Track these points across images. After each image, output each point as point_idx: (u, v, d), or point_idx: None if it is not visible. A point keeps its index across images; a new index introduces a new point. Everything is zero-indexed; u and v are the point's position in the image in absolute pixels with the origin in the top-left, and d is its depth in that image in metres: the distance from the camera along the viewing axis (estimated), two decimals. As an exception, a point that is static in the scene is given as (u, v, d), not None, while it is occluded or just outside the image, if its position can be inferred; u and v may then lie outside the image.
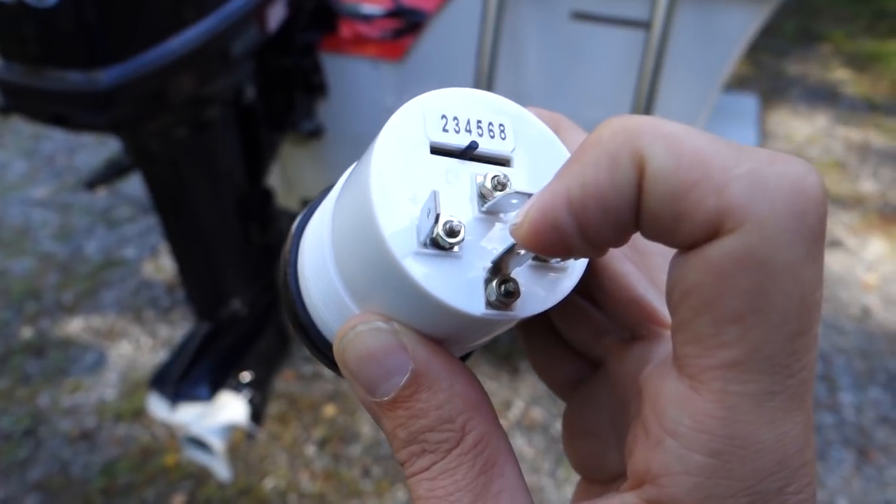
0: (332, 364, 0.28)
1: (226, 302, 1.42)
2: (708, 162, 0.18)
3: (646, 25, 1.21)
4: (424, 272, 0.22)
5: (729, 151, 0.18)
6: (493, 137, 0.25)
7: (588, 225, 0.20)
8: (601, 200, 0.19)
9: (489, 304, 0.23)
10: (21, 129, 3.00)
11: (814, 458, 0.20)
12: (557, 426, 1.78)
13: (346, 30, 1.50)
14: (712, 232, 0.18)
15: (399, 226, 0.22)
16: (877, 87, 3.40)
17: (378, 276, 0.23)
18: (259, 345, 1.48)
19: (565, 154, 0.26)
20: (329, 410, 1.83)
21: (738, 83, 3.34)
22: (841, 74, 3.52)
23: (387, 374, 0.23)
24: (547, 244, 0.20)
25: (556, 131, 0.27)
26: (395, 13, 1.48)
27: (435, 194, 0.22)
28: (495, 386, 1.87)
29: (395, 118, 0.24)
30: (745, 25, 1.29)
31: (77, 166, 2.84)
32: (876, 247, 2.38)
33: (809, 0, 4.24)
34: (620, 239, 0.20)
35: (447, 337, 0.24)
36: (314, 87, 1.49)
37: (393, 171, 0.23)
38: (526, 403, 1.83)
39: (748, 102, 2.19)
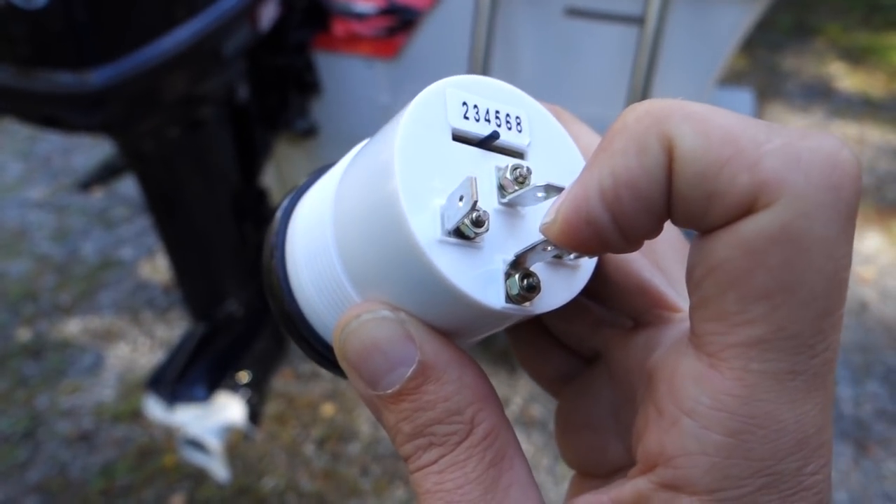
0: (319, 356, 0.27)
1: (222, 302, 1.42)
2: (738, 139, 0.18)
3: (639, 21, 1.21)
4: (447, 261, 0.21)
5: (758, 127, 0.18)
6: (510, 129, 0.24)
7: (623, 215, 0.19)
8: (633, 188, 0.19)
9: (509, 297, 0.22)
10: (16, 130, 3.00)
11: (831, 438, 0.19)
12: (555, 423, 1.78)
13: (339, 28, 1.50)
14: (745, 209, 0.18)
15: (422, 212, 0.21)
16: (872, 80, 3.40)
17: (392, 261, 0.22)
18: (256, 345, 1.48)
19: (576, 152, 0.26)
20: (327, 409, 1.83)
21: (733, 77, 3.34)
22: (836, 68, 3.51)
23: (391, 366, 0.22)
24: (582, 240, 0.20)
25: None
26: (389, 11, 1.48)
27: (472, 181, 0.21)
28: (493, 383, 1.86)
29: (419, 101, 0.23)
30: (739, 21, 1.29)
31: (73, 167, 2.83)
32: (872, 241, 2.38)
33: (805, -6, 4.24)
34: (655, 228, 0.20)
35: (455, 330, 0.24)
36: (308, 85, 1.49)
37: (416, 156, 0.22)
38: (524, 400, 1.83)
39: (743, 97, 2.19)
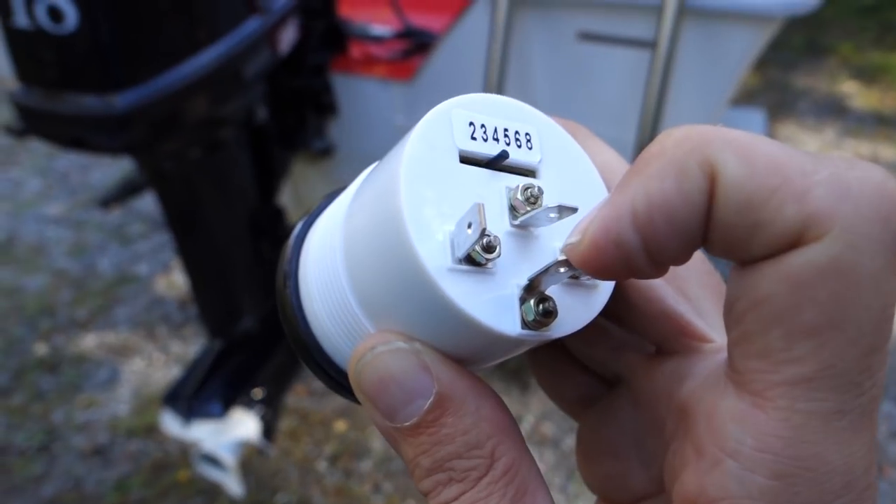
0: (335, 384, 0.27)
1: (238, 319, 1.43)
2: (784, 168, 0.17)
3: (651, 45, 1.22)
4: (459, 290, 0.21)
5: (804, 157, 0.17)
6: (520, 147, 0.24)
7: (654, 240, 0.18)
8: (669, 213, 0.18)
9: (525, 323, 0.22)
10: (36, 147, 3.04)
11: (877, 477, 0.19)
12: (568, 441, 1.79)
13: (356, 51, 1.53)
14: (793, 241, 0.17)
15: (431, 240, 0.21)
16: (885, 99, 3.40)
17: (403, 292, 0.21)
18: (271, 361, 1.50)
19: (591, 167, 0.25)
20: (340, 426, 1.84)
21: (745, 97, 3.35)
22: (849, 87, 3.52)
23: (408, 398, 0.22)
24: (608, 264, 0.19)
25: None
26: (405, 34, 1.51)
27: (480, 207, 0.20)
28: (506, 401, 1.86)
29: (423, 124, 0.22)
30: (750, 44, 1.30)
31: (91, 183, 2.87)
32: None
33: (816, 13, 4.24)
34: (685, 255, 0.19)
35: (470, 357, 0.23)
36: (325, 106, 1.51)
37: (423, 182, 0.21)
38: (536, 419, 1.84)
39: (755, 117, 2.20)
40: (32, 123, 1.01)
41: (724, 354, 0.21)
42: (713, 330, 0.25)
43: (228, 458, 1.37)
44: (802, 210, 0.17)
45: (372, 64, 1.50)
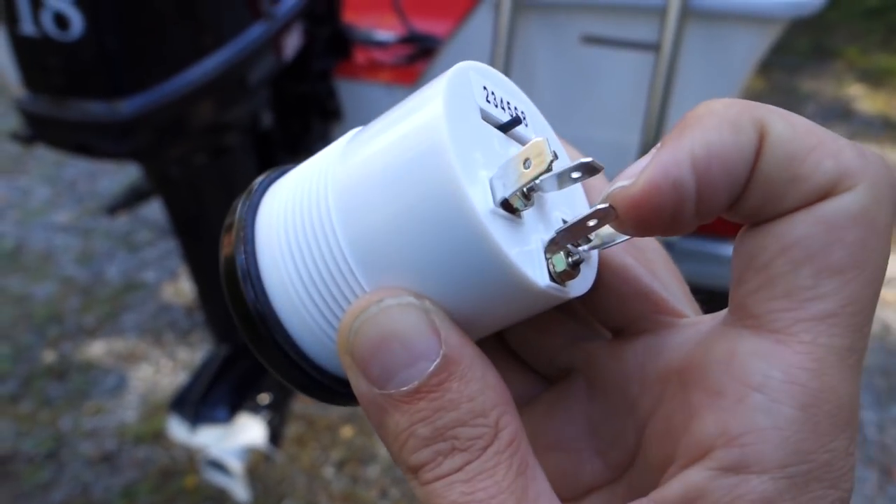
0: (291, 366, 0.24)
1: (244, 325, 1.43)
2: (818, 131, 0.20)
3: (655, 48, 1.22)
4: (499, 234, 0.20)
5: (825, 130, 0.20)
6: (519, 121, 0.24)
7: (708, 187, 0.19)
8: (725, 161, 0.19)
9: (551, 276, 0.22)
10: (44, 155, 3.06)
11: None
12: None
13: (360, 56, 1.53)
14: (826, 192, 0.19)
15: (476, 180, 0.20)
16: (891, 102, 3.39)
17: (430, 237, 0.20)
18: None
19: (565, 154, 0.26)
20: (347, 432, 1.84)
21: (751, 100, 3.34)
22: (855, 90, 3.51)
23: (411, 360, 0.20)
24: (659, 207, 0.20)
25: None
26: (409, 39, 1.51)
27: (545, 141, 0.20)
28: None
29: (452, 75, 0.22)
30: (754, 45, 1.30)
31: (98, 191, 2.89)
32: (893, 263, 2.35)
33: (822, 16, 4.23)
34: (725, 206, 0.20)
35: (475, 319, 0.22)
36: (329, 112, 1.52)
37: (457, 125, 0.21)
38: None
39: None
40: (39, 130, 1.01)
41: (710, 322, 0.23)
42: (685, 306, 0.26)
43: (235, 464, 1.37)
44: (839, 165, 0.19)
45: (376, 69, 1.50)
